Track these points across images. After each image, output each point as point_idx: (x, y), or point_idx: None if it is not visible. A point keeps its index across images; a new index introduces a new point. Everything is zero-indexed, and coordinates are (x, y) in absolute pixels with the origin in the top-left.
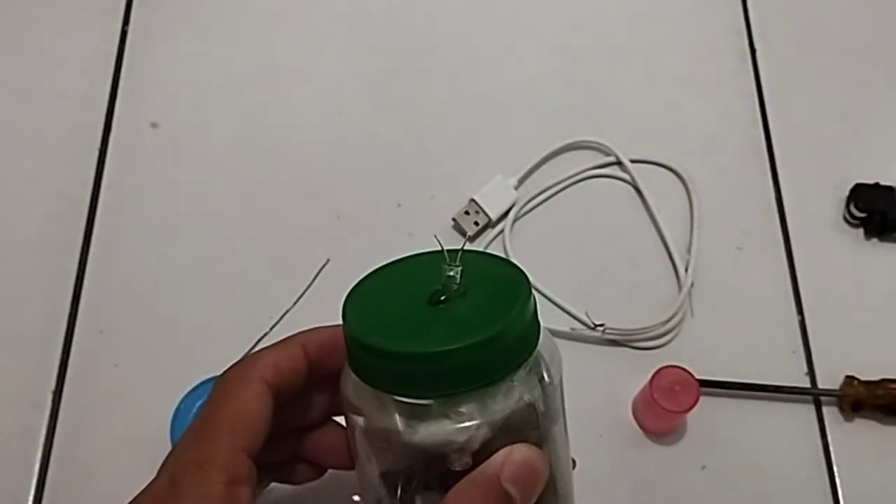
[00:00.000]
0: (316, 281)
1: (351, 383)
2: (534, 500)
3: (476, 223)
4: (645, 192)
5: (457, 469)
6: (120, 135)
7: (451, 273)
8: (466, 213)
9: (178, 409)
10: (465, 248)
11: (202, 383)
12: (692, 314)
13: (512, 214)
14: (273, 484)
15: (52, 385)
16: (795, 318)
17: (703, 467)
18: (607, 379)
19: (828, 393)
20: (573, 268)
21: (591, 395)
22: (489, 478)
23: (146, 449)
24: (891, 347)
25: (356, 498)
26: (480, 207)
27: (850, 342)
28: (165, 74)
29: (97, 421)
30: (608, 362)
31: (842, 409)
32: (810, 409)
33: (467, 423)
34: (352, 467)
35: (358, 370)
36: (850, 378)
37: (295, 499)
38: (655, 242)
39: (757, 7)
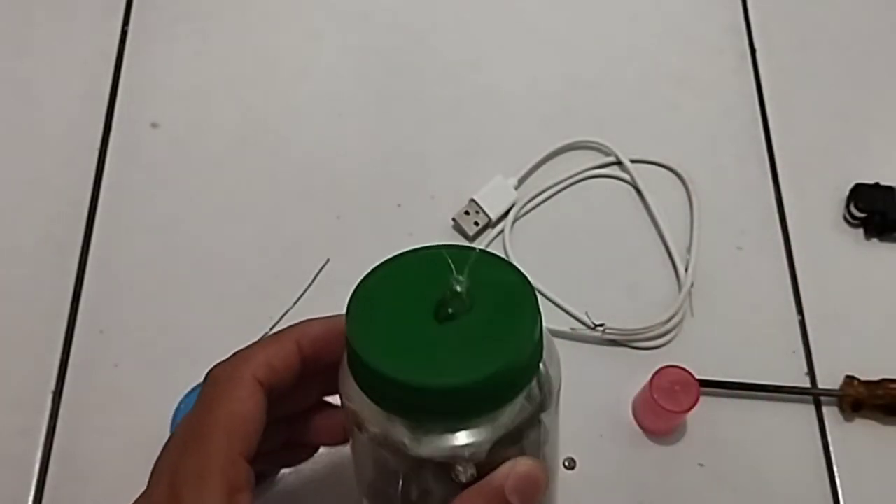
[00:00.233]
0: (316, 281)
1: (353, 392)
2: None
3: (476, 223)
4: (645, 192)
5: (461, 480)
6: (120, 135)
7: (459, 289)
8: (466, 213)
9: (178, 409)
10: (466, 247)
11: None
12: (692, 314)
13: (512, 214)
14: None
15: (52, 385)
16: (795, 318)
17: (702, 465)
18: (607, 379)
19: (828, 393)
20: (573, 268)
21: (591, 395)
22: (494, 489)
23: (146, 449)
24: (891, 347)
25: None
26: (480, 207)
27: (850, 342)
28: (165, 74)
29: (97, 421)
30: (608, 362)
31: (842, 409)
32: (810, 409)
33: (475, 439)
34: (345, 442)
35: (364, 388)
36: (850, 378)
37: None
38: (655, 242)
39: (757, 7)
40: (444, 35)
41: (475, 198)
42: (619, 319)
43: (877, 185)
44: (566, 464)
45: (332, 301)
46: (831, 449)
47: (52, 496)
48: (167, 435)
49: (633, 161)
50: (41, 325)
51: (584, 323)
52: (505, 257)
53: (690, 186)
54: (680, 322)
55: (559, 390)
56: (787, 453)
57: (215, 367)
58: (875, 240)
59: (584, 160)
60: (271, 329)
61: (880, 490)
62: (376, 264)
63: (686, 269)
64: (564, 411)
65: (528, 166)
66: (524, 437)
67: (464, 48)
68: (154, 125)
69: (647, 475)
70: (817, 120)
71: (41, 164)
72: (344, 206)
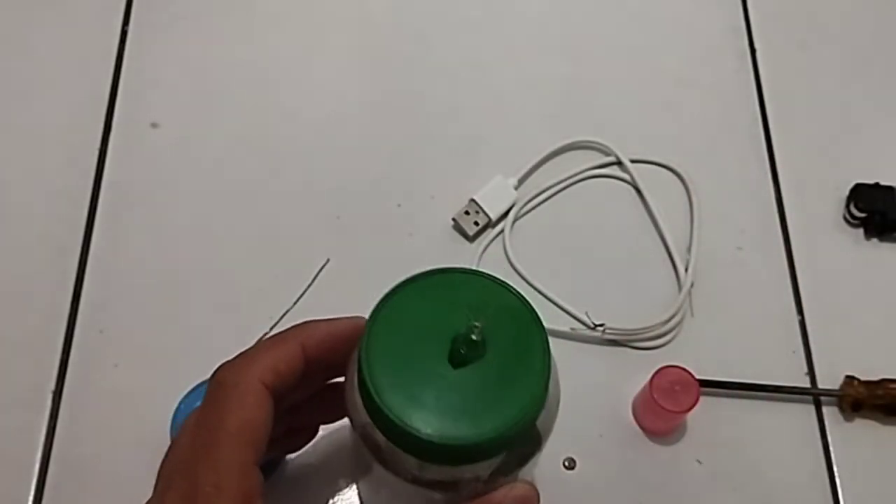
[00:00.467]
0: (316, 281)
1: (361, 417)
2: None
3: (476, 223)
4: (645, 192)
5: (463, 495)
6: (120, 135)
7: (475, 338)
8: (466, 213)
9: (178, 409)
10: (479, 272)
11: (202, 383)
12: (692, 314)
13: (512, 214)
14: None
15: (52, 385)
16: (795, 318)
17: (702, 465)
18: (607, 379)
19: (828, 393)
20: (573, 268)
21: (591, 395)
22: None
23: (146, 449)
24: (891, 347)
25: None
26: (480, 207)
27: (850, 342)
28: (165, 74)
29: (97, 421)
30: (608, 362)
31: (842, 409)
32: (810, 409)
33: (483, 462)
34: (344, 416)
35: (377, 425)
36: (850, 378)
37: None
38: (655, 242)
39: (757, 7)
40: (444, 35)
41: (475, 198)
42: (619, 319)
43: (877, 185)
44: (566, 464)
45: (332, 301)
46: (831, 449)
47: (52, 496)
48: (167, 435)
49: (633, 161)
50: (41, 325)
51: (584, 323)
52: (506, 259)
53: (690, 186)
54: (680, 322)
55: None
56: (787, 453)
57: (221, 368)
58: (875, 240)
59: (584, 160)
60: (271, 329)
61: (880, 490)
62: (395, 285)
63: (686, 269)
64: (564, 411)
65: (528, 166)
66: (525, 452)
67: (464, 48)
68: (154, 125)
69: (647, 475)
70: (817, 120)
71: (41, 164)
72: (344, 206)
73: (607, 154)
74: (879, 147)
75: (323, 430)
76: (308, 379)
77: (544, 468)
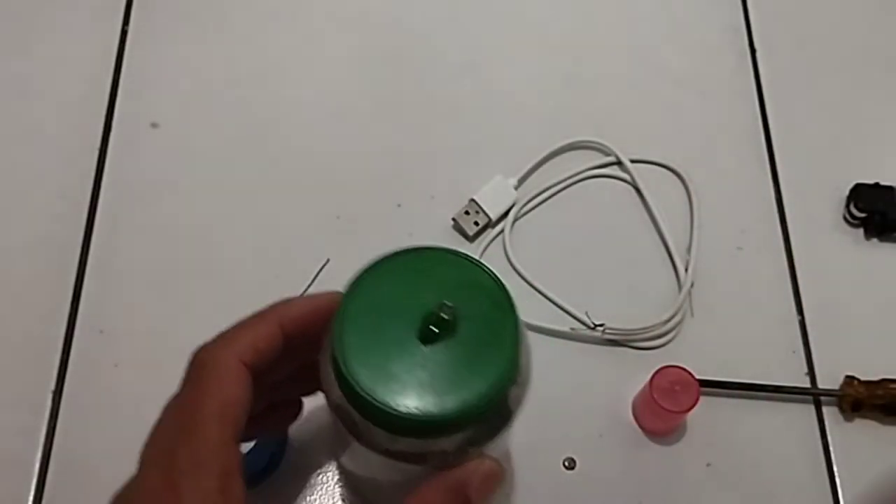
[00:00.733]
0: (316, 281)
1: (333, 390)
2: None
3: (476, 223)
4: (645, 192)
5: (433, 467)
6: (120, 135)
7: (446, 317)
8: (466, 213)
9: None
10: (454, 251)
11: None
12: (692, 314)
13: (512, 214)
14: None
15: (52, 385)
16: (795, 318)
17: (702, 465)
18: (607, 379)
19: (828, 393)
20: (573, 268)
21: (591, 395)
22: (458, 483)
23: None
24: (891, 347)
25: None
26: (480, 207)
27: (850, 342)
28: (165, 74)
29: (97, 421)
30: (608, 362)
31: (842, 409)
32: (810, 409)
33: (452, 437)
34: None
35: (348, 400)
36: (850, 378)
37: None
38: (655, 242)
39: (757, 7)
40: (444, 35)
41: (475, 198)
42: (619, 319)
43: (877, 185)
44: (566, 464)
45: None
46: (831, 449)
47: (52, 496)
48: None
49: (633, 161)
50: (41, 325)
51: (584, 323)
52: (505, 259)
53: (690, 186)
54: (680, 322)
55: (529, 378)
56: (787, 453)
57: (200, 349)
58: (875, 240)
59: (584, 160)
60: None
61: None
62: (369, 263)
63: (686, 269)
64: (564, 411)
65: (528, 166)
66: (496, 426)
67: (464, 48)
68: (154, 125)
69: (647, 475)
70: (817, 120)
71: (41, 164)
72: (344, 206)
73: (607, 154)
74: (879, 147)
75: (308, 411)
76: (288, 355)
77: (544, 468)
